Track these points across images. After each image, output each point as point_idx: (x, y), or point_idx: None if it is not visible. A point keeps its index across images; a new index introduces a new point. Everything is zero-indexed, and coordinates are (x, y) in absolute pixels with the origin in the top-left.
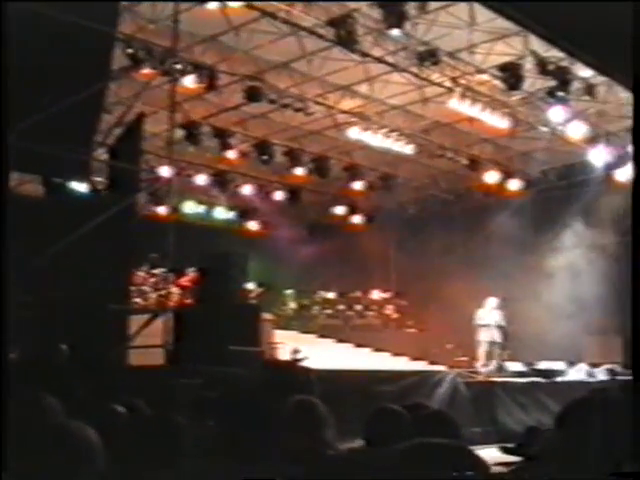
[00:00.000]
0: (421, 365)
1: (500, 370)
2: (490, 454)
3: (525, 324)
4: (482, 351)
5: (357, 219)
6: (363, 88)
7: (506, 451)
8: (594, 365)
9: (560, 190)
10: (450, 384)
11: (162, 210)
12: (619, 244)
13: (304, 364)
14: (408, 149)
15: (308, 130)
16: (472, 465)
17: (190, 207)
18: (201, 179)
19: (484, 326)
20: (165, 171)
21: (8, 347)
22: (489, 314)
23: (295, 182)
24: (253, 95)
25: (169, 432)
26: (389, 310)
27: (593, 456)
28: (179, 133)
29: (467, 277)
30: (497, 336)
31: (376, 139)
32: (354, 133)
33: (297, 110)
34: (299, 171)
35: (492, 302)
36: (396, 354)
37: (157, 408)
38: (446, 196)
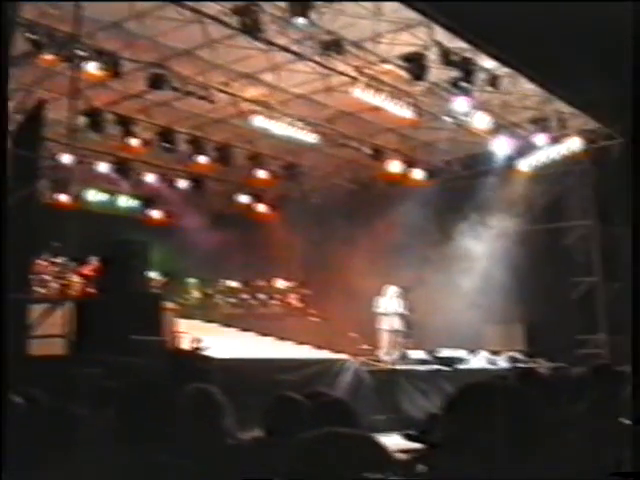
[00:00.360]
0: (325, 354)
1: (403, 358)
2: (393, 441)
3: (428, 312)
4: (384, 339)
5: (261, 208)
6: (268, 76)
7: (408, 438)
8: (495, 353)
9: (464, 180)
10: (353, 372)
11: (64, 198)
12: (521, 233)
13: (205, 353)
14: (312, 138)
15: (212, 118)
16: (377, 454)
17: (93, 195)
18: (104, 167)
19: (385, 315)
20: (67, 159)
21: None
22: (390, 302)
23: (199, 170)
24: (157, 82)
25: (67, 422)
26: (293, 299)
27: (482, 441)
28: (82, 120)
29: (371, 266)
30: (398, 324)
31: (280, 128)
32: (258, 121)
33: (201, 98)
34: (203, 159)
35: (392, 291)
36: (300, 343)
37: (57, 398)
38: (350, 185)
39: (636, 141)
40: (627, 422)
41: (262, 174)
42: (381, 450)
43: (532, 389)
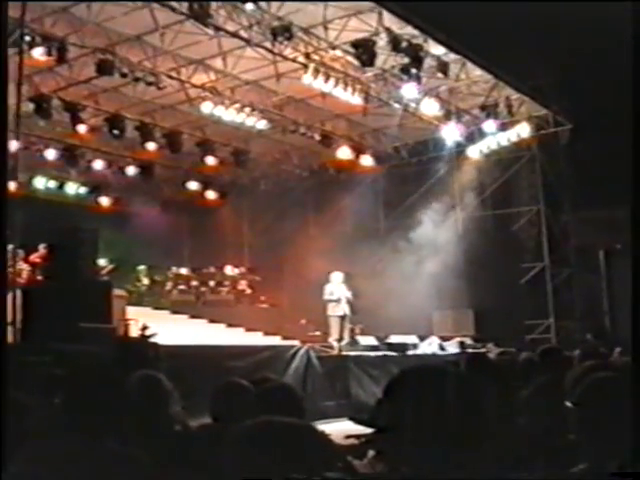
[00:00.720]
0: (275, 340)
1: (353, 344)
2: (343, 426)
3: (378, 299)
4: (334, 326)
5: (211, 194)
6: (216, 63)
7: (358, 422)
8: (446, 339)
9: (412, 166)
10: (303, 359)
11: (10, 185)
12: (470, 219)
13: (154, 340)
14: (261, 124)
15: (160, 104)
16: (317, 443)
17: (41, 182)
18: (51, 154)
19: (333, 301)
20: (12, 145)
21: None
22: (337, 288)
23: (147, 157)
24: (104, 68)
25: (16, 411)
26: (242, 286)
27: (419, 425)
28: (28, 106)
29: (321, 252)
30: (347, 311)
31: (229, 114)
32: (207, 108)
33: (149, 84)
34: (151, 146)
35: (338, 277)
36: (250, 329)
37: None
38: (299, 172)
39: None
40: (570, 405)
41: (211, 161)
42: (318, 438)
43: (477, 373)
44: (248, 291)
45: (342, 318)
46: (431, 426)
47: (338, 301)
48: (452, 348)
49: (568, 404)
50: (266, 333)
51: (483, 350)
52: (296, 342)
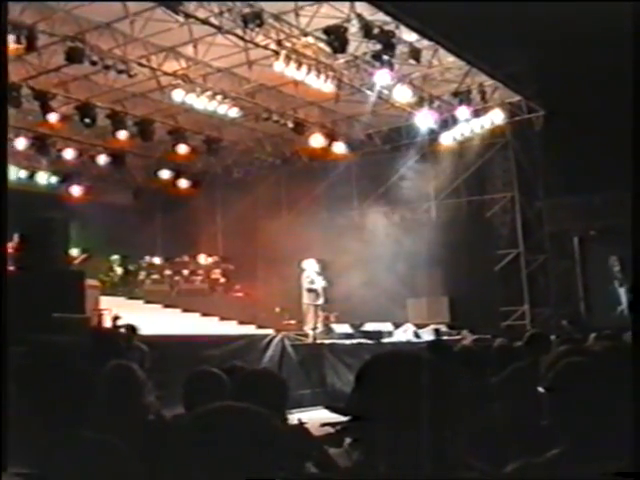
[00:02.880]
0: (249, 329)
1: (328, 332)
2: (319, 415)
3: (352, 286)
4: (308, 314)
5: (183, 183)
6: (187, 50)
7: (333, 410)
8: (420, 326)
9: (385, 153)
10: (278, 347)
11: None
12: (444, 206)
13: (127, 330)
14: (233, 112)
15: (131, 92)
16: (270, 431)
17: (11, 172)
18: (22, 143)
19: (313, 290)
20: None
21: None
22: (312, 276)
23: (119, 146)
24: (74, 56)
25: None
26: (216, 274)
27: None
28: None
29: (294, 240)
30: (321, 298)
31: (201, 102)
32: (178, 96)
33: (120, 72)
34: (123, 134)
35: (312, 264)
36: (224, 318)
37: None
38: (272, 159)
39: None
40: (542, 390)
41: (183, 149)
42: (272, 424)
43: (448, 360)
44: (222, 280)
45: (316, 306)
46: (403, 412)
47: (312, 288)
48: (427, 335)
49: (540, 389)
50: (241, 322)
51: (458, 337)
52: (271, 331)
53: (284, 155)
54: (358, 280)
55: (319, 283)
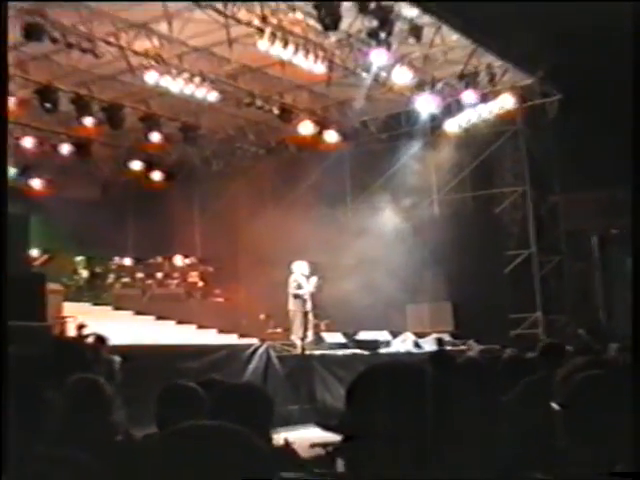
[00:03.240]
0: (231, 338)
1: (318, 342)
2: (309, 434)
3: (345, 291)
4: (296, 321)
5: (156, 176)
6: (161, 27)
7: (325, 428)
8: (421, 335)
9: (382, 142)
10: (263, 358)
11: None
12: (447, 201)
13: (94, 340)
14: (212, 96)
15: (98, 74)
16: (250, 453)
17: None
18: None
19: (300, 297)
20: None
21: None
22: (301, 280)
23: (84, 134)
24: (33, 33)
25: None
26: (193, 277)
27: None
28: None
29: (280, 239)
30: (310, 304)
31: (176, 85)
32: (151, 78)
33: (85, 51)
34: (88, 121)
35: (303, 267)
36: (202, 327)
37: None
38: (256, 149)
39: None
40: (556, 407)
41: (156, 137)
42: (253, 445)
43: (452, 373)
44: (200, 284)
45: (305, 313)
46: (401, 431)
47: (301, 294)
48: (429, 345)
49: (554, 406)
50: (221, 330)
51: (464, 347)
52: (254, 340)
53: (269, 145)
54: (352, 284)
55: (306, 288)
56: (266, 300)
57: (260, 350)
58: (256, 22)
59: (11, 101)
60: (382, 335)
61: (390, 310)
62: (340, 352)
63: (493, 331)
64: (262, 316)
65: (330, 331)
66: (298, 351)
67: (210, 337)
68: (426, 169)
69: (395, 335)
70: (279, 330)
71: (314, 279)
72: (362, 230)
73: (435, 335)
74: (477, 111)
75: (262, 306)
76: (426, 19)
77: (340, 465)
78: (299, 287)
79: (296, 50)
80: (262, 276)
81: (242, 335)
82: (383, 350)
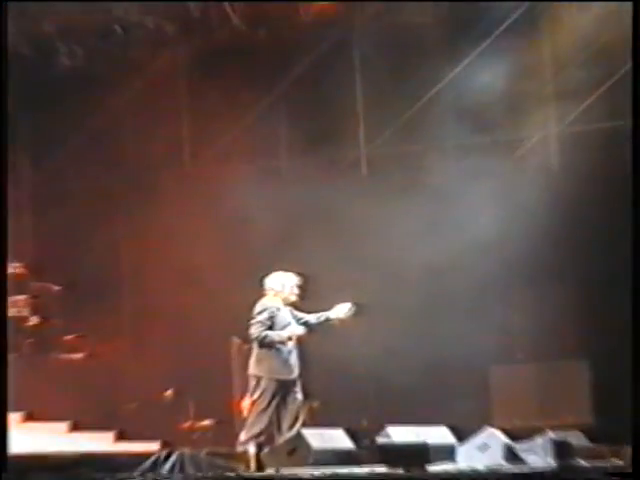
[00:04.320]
0: (99, 442)
1: (294, 448)
2: None
3: (358, 333)
4: (260, 403)
5: None
6: None
7: None
8: (521, 433)
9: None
10: None
11: None
12: (570, 140)
13: None
14: None
15: None
16: None
17: None
18: None
19: (267, 342)
20: None
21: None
22: (282, 312)
23: None
24: None
25: None
26: (19, 306)
27: None
28: None
29: (215, 225)
30: (296, 369)
31: None
32: None
33: None
34: None
35: (287, 280)
36: (35, 418)
37: None
38: (159, 22)
39: None
40: None
41: None
42: None
43: None
44: (32, 320)
45: (286, 386)
46: None
47: (289, 346)
48: (537, 455)
49: None
50: (75, 426)
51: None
52: (153, 445)
53: (189, 14)
54: (368, 316)
55: (293, 327)
56: (181, 355)
57: (166, 466)
58: None
59: None
60: (436, 433)
61: (450, 376)
62: (343, 471)
63: None
64: (169, 391)
65: (317, 425)
66: (249, 472)
67: (51, 440)
68: (526, 76)
69: (463, 435)
70: (207, 423)
71: (341, 308)
72: (387, 202)
73: (552, 434)
74: None
75: (171, 370)
76: None
77: None
78: (275, 325)
79: None
80: (176, 303)
81: (122, 436)
82: (437, 467)
